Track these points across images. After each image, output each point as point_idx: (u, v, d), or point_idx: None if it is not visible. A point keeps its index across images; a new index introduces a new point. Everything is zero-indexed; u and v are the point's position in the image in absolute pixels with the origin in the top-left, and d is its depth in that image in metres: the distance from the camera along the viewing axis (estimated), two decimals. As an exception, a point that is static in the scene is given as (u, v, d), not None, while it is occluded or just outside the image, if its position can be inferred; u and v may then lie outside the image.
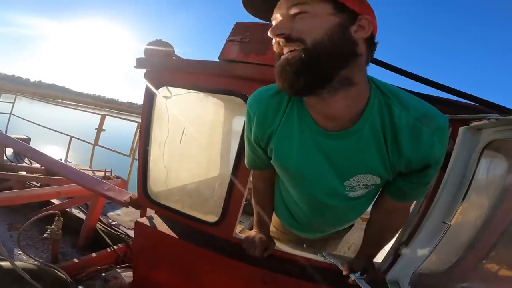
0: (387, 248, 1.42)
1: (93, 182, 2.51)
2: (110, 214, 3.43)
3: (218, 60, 1.50)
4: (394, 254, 1.36)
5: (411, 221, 1.32)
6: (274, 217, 1.57)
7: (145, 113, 1.66)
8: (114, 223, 3.16)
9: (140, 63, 1.62)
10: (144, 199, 1.80)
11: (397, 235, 1.36)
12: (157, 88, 1.61)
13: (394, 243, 1.37)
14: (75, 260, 2.32)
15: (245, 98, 1.32)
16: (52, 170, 3.06)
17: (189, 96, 1.80)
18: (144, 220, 1.72)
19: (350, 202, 1.10)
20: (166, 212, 1.76)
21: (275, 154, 1.04)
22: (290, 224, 1.45)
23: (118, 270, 2.34)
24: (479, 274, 1.28)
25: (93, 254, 2.43)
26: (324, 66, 0.73)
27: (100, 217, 2.98)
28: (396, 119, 0.83)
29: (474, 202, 1.26)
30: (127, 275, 2.30)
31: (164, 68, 1.60)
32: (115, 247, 2.58)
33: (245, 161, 1.27)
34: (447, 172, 1.16)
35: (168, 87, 1.68)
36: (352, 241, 2.78)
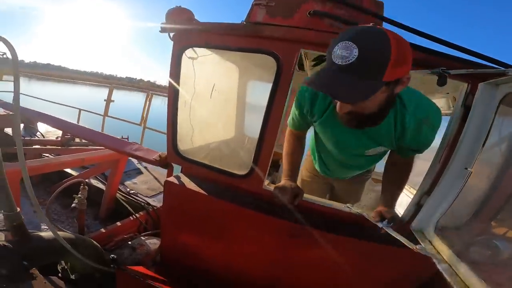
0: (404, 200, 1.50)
1: (120, 143, 2.47)
2: (127, 183, 3.56)
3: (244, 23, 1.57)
4: (417, 204, 1.44)
5: (432, 172, 1.40)
6: (308, 163, 2.20)
7: (173, 74, 1.68)
8: (133, 191, 3.28)
9: (166, 28, 1.62)
10: (174, 156, 1.82)
11: (418, 187, 1.46)
12: (184, 50, 1.63)
13: (415, 195, 1.46)
14: (102, 230, 2.46)
15: (275, 56, 1.45)
16: (77, 134, 3.07)
17: (215, 57, 1.85)
18: (173, 179, 1.75)
19: (367, 158, 1.70)
20: (196, 169, 1.79)
21: (321, 127, 1.57)
22: (322, 170, 2.02)
23: (143, 238, 2.46)
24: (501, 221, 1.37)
25: (118, 223, 2.58)
26: (372, 120, 1.23)
27: (118, 187, 3.10)
28: (407, 124, 1.29)
29: (493, 151, 1.35)
30: (152, 243, 2.44)
31: (195, 30, 1.60)
32: (137, 215, 2.70)
33: (288, 121, 1.64)
34: (466, 124, 1.25)
35: (194, 48, 1.71)
36: (364, 203, 2.98)
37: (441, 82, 1.16)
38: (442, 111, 1.41)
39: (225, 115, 2.76)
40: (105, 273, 1.97)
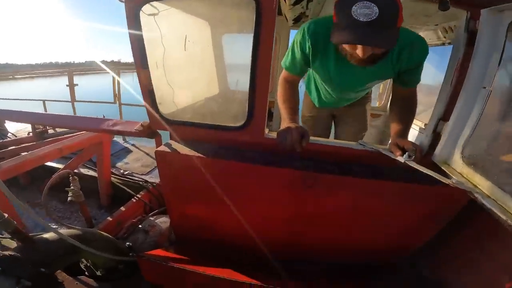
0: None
1: (95, 122, 2.26)
2: (119, 165, 3.47)
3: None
4: (434, 132, 1.43)
5: (444, 96, 1.38)
6: (306, 104, 2.38)
7: (134, 37, 1.46)
8: (127, 172, 3.20)
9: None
10: (158, 121, 1.61)
11: (431, 115, 1.46)
12: (140, 7, 1.39)
13: (430, 121, 1.45)
14: (109, 218, 2.42)
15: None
16: (48, 123, 2.84)
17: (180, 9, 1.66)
18: (164, 148, 1.59)
19: (366, 90, 2.00)
20: (185, 130, 1.62)
21: (322, 69, 1.64)
22: (322, 103, 2.19)
23: (152, 218, 2.43)
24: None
25: (122, 208, 2.52)
26: (381, 57, 1.35)
27: (111, 170, 3.01)
28: (403, 55, 1.46)
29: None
30: (162, 221, 2.42)
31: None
32: (139, 195, 2.65)
33: (284, 64, 1.67)
34: (475, 48, 1.25)
35: (152, 3, 1.44)
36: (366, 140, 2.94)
37: (444, 7, 1.23)
38: (431, 42, 1.77)
39: (205, 70, 2.54)
40: (127, 263, 1.97)
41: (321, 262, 1.97)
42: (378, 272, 1.96)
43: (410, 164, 1.22)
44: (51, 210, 2.91)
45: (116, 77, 4.80)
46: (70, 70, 5.24)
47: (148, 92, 1.56)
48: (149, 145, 4.00)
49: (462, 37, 1.30)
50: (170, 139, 1.70)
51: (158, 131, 1.85)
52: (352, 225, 1.71)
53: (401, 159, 1.26)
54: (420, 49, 1.45)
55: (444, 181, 1.11)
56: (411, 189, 1.42)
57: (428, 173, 1.16)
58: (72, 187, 2.24)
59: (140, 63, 1.50)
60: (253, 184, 1.60)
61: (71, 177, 2.27)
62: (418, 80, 1.57)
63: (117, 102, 4.84)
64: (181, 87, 1.95)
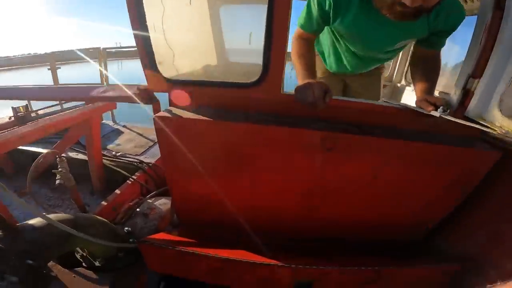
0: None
1: (84, 90, 1.99)
2: (110, 147, 3.23)
3: None
4: (464, 89, 1.33)
5: (473, 55, 1.29)
6: (319, 66, 2.16)
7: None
8: (120, 153, 2.96)
9: None
10: (157, 83, 1.41)
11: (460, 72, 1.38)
12: None
13: (458, 79, 1.37)
14: (103, 203, 2.21)
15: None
16: (32, 97, 2.55)
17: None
18: (164, 114, 1.37)
19: (388, 53, 1.77)
20: (188, 92, 1.42)
21: (345, 25, 1.52)
22: (337, 67, 2.06)
23: (150, 201, 2.23)
24: None
25: (117, 191, 2.32)
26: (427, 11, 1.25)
27: (102, 152, 2.78)
28: (441, 16, 1.39)
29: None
30: (161, 203, 2.23)
31: None
32: (134, 177, 2.44)
33: (300, 23, 1.57)
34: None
35: None
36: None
37: None
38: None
39: (209, 28, 2.22)
40: (127, 250, 1.78)
41: (337, 239, 1.81)
42: (395, 249, 1.81)
43: (447, 118, 1.16)
44: (41, 198, 2.68)
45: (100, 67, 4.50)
46: (52, 54, 4.91)
47: (146, 52, 1.35)
48: (142, 125, 3.74)
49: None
50: (170, 106, 1.48)
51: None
52: (373, 196, 1.55)
53: (435, 113, 1.20)
54: (458, 13, 1.41)
55: (492, 130, 1.06)
56: (436, 151, 1.33)
57: (471, 125, 1.13)
58: (60, 169, 2.02)
59: (138, 21, 1.28)
60: (266, 150, 1.41)
61: (58, 159, 2.05)
62: (444, 43, 1.54)
63: (105, 83, 4.51)
64: (184, 46, 1.72)
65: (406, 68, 3.30)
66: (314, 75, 1.44)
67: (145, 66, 1.39)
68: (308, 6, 1.50)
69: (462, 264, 1.49)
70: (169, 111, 1.41)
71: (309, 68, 1.45)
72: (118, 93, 1.71)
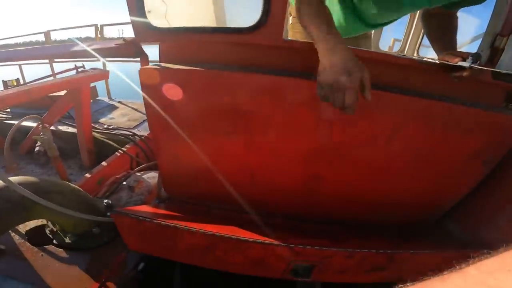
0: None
1: (68, 47, 1.77)
2: (103, 120, 3.00)
3: None
4: (491, 47, 1.17)
5: (500, 14, 1.14)
6: None
7: None
8: (112, 126, 2.75)
9: None
10: (145, 33, 1.20)
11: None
12: None
13: (485, 37, 1.21)
14: (87, 175, 1.99)
15: None
16: (13, 57, 2.33)
17: None
18: (151, 67, 1.19)
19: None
20: (179, 44, 1.24)
21: None
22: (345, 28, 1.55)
23: (138, 174, 2.02)
24: None
25: (104, 163, 2.10)
26: None
27: (93, 125, 2.56)
28: None
29: None
30: (150, 177, 2.01)
31: None
32: (124, 149, 2.23)
33: None
34: None
35: None
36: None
37: None
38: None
39: None
40: (105, 226, 1.57)
41: (342, 220, 1.58)
42: (406, 233, 1.59)
43: (479, 67, 0.97)
44: (27, 174, 2.49)
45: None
46: (47, 31, 4.70)
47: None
48: (137, 101, 3.52)
49: None
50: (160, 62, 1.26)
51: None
52: (385, 164, 1.31)
53: (464, 63, 0.99)
54: None
55: None
56: (460, 114, 1.14)
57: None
58: (42, 136, 1.82)
59: None
60: (266, 105, 1.19)
61: (41, 126, 1.85)
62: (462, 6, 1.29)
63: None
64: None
65: (419, 41, 3.01)
66: (342, 39, 0.96)
67: (132, 15, 1.17)
68: None
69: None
70: (158, 65, 1.20)
71: (332, 28, 0.98)
72: (103, 45, 1.56)
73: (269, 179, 1.43)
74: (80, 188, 1.52)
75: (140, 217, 1.23)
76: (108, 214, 1.57)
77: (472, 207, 1.47)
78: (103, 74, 2.72)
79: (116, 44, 1.40)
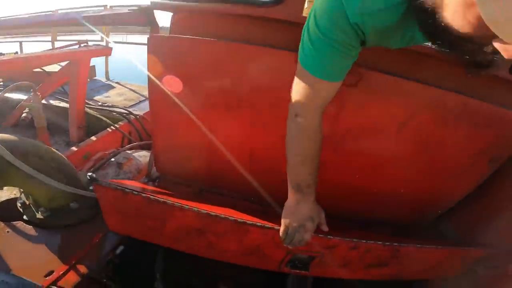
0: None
1: (75, 14, 1.60)
2: (98, 98, 2.82)
3: None
4: None
5: None
6: None
7: None
8: (107, 104, 2.58)
9: None
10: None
11: None
12: None
13: None
14: (73, 148, 1.82)
15: None
16: (27, 23, 2.19)
17: None
18: (161, 35, 1.16)
19: None
20: (196, 12, 1.15)
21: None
22: None
23: (129, 151, 1.86)
24: None
25: (93, 138, 1.94)
26: None
27: (87, 101, 2.40)
28: None
29: None
30: (140, 155, 1.86)
31: None
32: (116, 125, 2.07)
33: (318, 71, 0.79)
34: None
35: None
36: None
37: None
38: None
39: None
40: (85, 202, 1.41)
41: (342, 213, 1.45)
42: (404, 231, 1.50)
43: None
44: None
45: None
46: (55, 11, 4.51)
47: None
48: (138, 83, 3.34)
49: None
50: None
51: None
52: (391, 154, 1.22)
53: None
54: None
55: None
56: (472, 108, 1.06)
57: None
58: (31, 103, 1.66)
59: None
60: (274, 80, 1.09)
61: (32, 92, 1.69)
62: None
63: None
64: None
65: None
66: (314, 192, 1.00)
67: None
68: (331, 50, 0.74)
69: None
70: (165, 35, 1.16)
71: (314, 181, 0.97)
72: (114, 11, 1.44)
73: (270, 160, 1.30)
74: (63, 156, 1.36)
75: (127, 189, 1.07)
76: (91, 187, 1.42)
77: (466, 209, 1.40)
78: (105, 51, 2.57)
79: (129, 9, 1.29)
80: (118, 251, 1.35)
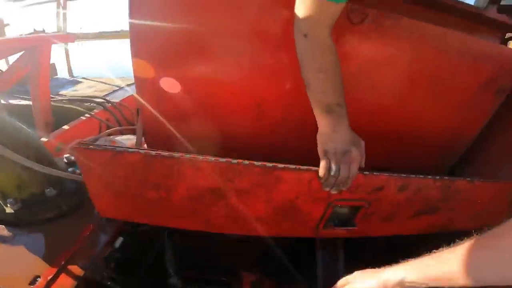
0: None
1: None
2: (63, 92, 2.49)
3: None
4: None
5: None
6: None
7: None
8: (76, 97, 2.27)
9: None
10: None
11: None
12: None
13: None
14: (43, 139, 1.53)
15: None
16: None
17: None
18: None
19: None
20: None
21: None
22: None
23: (111, 137, 1.60)
24: None
25: (65, 127, 1.65)
26: None
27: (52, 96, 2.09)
28: None
29: None
30: (124, 138, 1.60)
31: None
32: (92, 112, 1.79)
33: None
34: None
35: None
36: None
37: None
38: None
39: None
40: (63, 191, 1.14)
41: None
42: None
43: None
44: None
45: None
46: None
47: None
48: (107, 76, 3.01)
49: None
50: None
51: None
52: (401, 91, 1.18)
53: None
54: None
55: None
56: (471, 43, 1.12)
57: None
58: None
59: None
60: (282, 22, 0.95)
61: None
62: None
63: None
64: None
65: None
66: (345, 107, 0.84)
67: None
68: None
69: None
70: None
71: (342, 96, 0.84)
72: None
73: (282, 110, 1.11)
74: (34, 133, 1.09)
75: (119, 148, 0.83)
76: (70, 169, 1.15)
77: (481, 154, 1.42)
78: (68, 37, 2.26)
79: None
80: (117, 244, 1.09)
